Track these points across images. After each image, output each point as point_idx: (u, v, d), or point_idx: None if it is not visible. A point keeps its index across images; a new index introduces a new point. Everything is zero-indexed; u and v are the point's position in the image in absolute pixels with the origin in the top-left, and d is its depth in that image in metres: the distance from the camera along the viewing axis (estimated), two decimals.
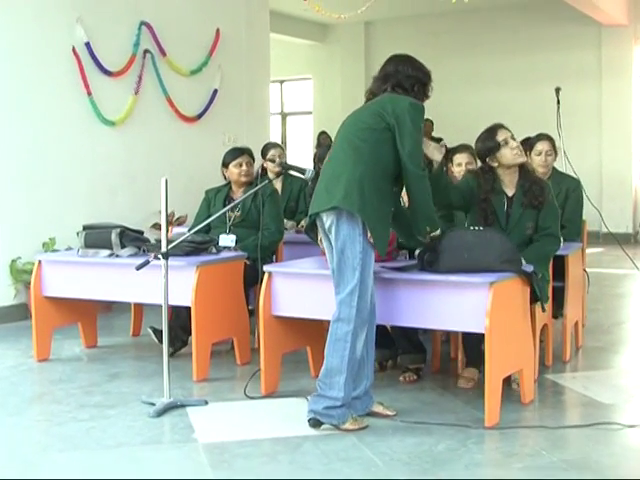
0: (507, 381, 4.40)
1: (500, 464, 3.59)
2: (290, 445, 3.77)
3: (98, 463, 3.63)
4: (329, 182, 3.93)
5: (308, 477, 3.43)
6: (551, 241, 4.73)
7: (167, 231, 4.41)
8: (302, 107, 15.29)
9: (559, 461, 3.53)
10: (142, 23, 7.72)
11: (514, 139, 4.72)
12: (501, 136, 4.67)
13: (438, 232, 4.15)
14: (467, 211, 4.86)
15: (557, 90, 6.92)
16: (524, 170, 4.81)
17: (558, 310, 5.32)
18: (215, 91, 8.57)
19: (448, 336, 5.36)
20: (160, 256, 4.32)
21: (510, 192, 4.76)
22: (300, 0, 9.20)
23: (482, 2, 12.21)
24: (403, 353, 4.96)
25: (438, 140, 11.80)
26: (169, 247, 4.39)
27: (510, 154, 4.68)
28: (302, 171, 4.65)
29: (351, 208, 3.80)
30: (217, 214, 4.85)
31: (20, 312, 6.67)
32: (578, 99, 12.51)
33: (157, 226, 7.53)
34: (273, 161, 6.45)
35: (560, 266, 5.17)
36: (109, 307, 6.94)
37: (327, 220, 3.91)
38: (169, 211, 7.69)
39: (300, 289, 4.50)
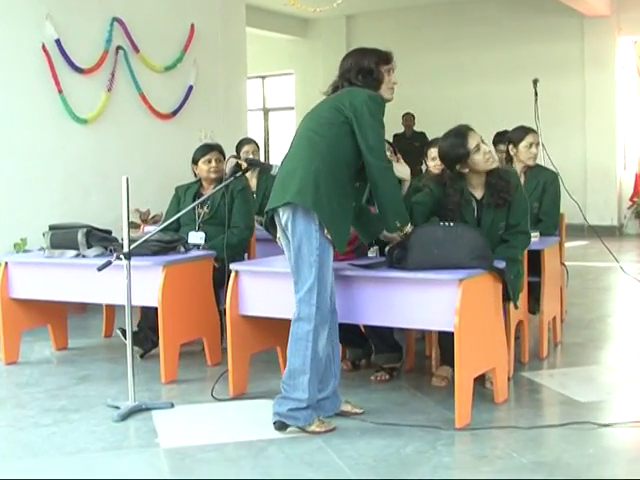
0: (481, 380, 4.32)
1: (469, 467, 3.49)
2: (254, 449, 3.67)
3: (55, 471, 3.51)
4: (285, 177, 3.84)
5: None
6: (520, 239, 4.58)
7: (129, 231, 4.29)
8: (284, 103, 15.17)
9: (529, 463, 3.44)
10: (114, 19, 7.59)
11: (484, 142, 4.53)
12: (472, 142, 4.43)
13: (409, 228, 4.04)
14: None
15: (535, 82, 6.83)
16: (491, 171, 4.57)
17: (535, 305, 5.23)
18: (190, 87, 8.45)
19: (423, 334, 5.27)
20: (122, 256, 4.21)
21: (479, 194, 4.57)
22: None
23: None
24: (377, 352, 4.88)
25: (420, 134, 11.81)
26: (132, 247, 4.28)
27: (483, 160, 4.46)
28: (268, 167, 4.54)
29: (305, 203, 3.71)
30: (184, 211, 4.77)
31: None
32: (561, 91, 12.48)
33: (132, 225, 7.41)
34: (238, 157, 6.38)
35: (536, 261, 5.09)
36: (83, 308, 6.83)
37: (283, 216, 3.81)
38: (144, 209, 7.71)
39: (268, 288, 4.39)
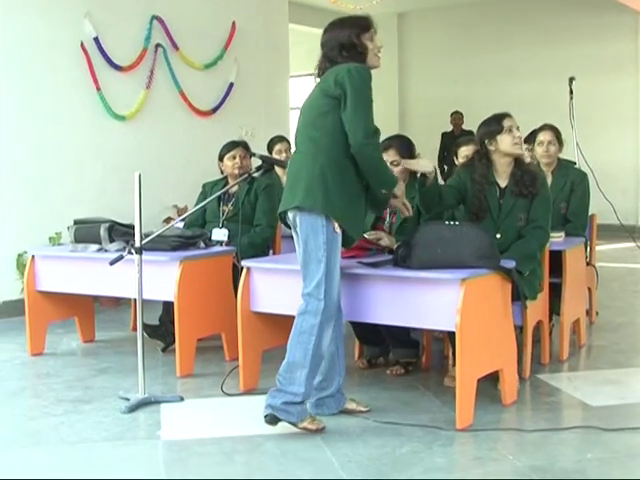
0: (493, 380, 4.27)
1: (460, 469, 3.48)
2: (251, 444, 3.71)
3: (51, 460, 3.60)
4: (293, 179, 3.81)
5: (259, 478, 3.35)
6: (538, 235, 4.56)
7: (141, 226, 4.34)
8: None
9: (523, 466, 3.39)
10: (153, 17, 7.70)
11: (519, 130, 4.61)
12: (508, 122, 4.58)
13: (401, 190, 4.06)
14: (460, 204, 4.76)
15: (570, 80, 6.72)
16: (518, 162, 4.67)
17: (559, 307, 5.16)
18: (231, 85, 8.53)
19: (442, 333, 5.24)
20: (134, 251, 4.28)
21: (503, 183, 4.64)
22: None
23: None
24: (394, 347, 4.88)
25: (469, 133, 11.70)
26: (144, 242, 4.34)
27: (510, 141, 4.56)
28: (284, 165, 4.57)
29: (314, 206, 3.68)
30: (199, 205, 4.84)
31: None
32: (615, 89, 12.28)
33: (169, 220, 7.53)
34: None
35: (559, 262, 5.02)
36: (117, 301, 6.95)
37: (291, 214, 3.82)
38: (182, 205, 7.81)
39: (279, 285, 4.40)
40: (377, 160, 3.79)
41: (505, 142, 4.57)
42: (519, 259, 4.33)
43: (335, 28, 3.85)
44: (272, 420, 3.78)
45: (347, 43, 3.76)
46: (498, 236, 4.52)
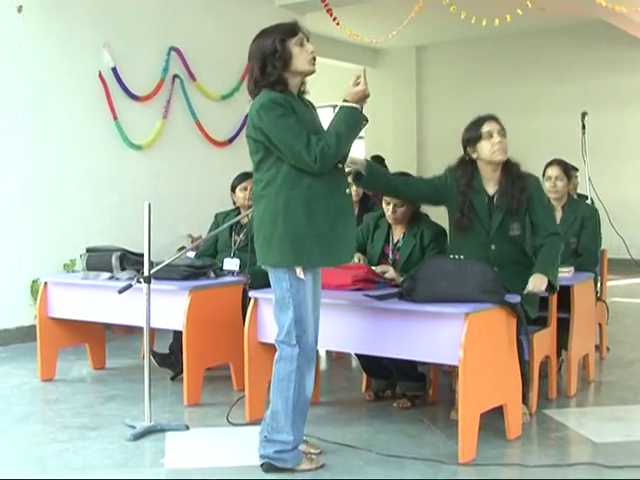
0: (499, 414, 4.26)
1: None
2: (254, 474, 3.72)
3: None
4: (256, 238, 3.71)
5: None
6: (555, 243, 4.46)
7: (149, 255, 4.39)
8: None
9: None
10: (171, 48, 7.82)
11: (501, 135, 4.44)
12: (487, 127, 4.43)
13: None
14: (436, 204, 4.67)
15: (583, 115, 6.73)
16: (508, 166, 4.51)
17: (568, 342, 5.16)
18: (247, 116, 8.57)
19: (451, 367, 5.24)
20: (142, 280, 4.33)
21: (491, 190, 4.52)
22: (351, 26, 9.13)
23: (532, 26, 12.07)
24: (400, 380, 4.89)
25: None
26: (153, 271, 4.39)
27: (489, 149, 4.42)
28: None
29: (270, 262, 3.63)
30: (210, 234, 4.88)
31: None
32: (631, 123, 12.32)
33: (183, 249, 7.57)
34: None
35: (567, 296, 5.02)
36: (130, 329, 6.99)
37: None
38: (196, 235, 7.86)
39: None
40: (339, 146, 3.56)
41: (483, 149, 4.44)
42: (550, 266, 4.35)
43: (259, 37, 3.66)
44: (269, 469, 3.71)
45: (271, 51, 3.58)
46: (493, 247, 4.47)
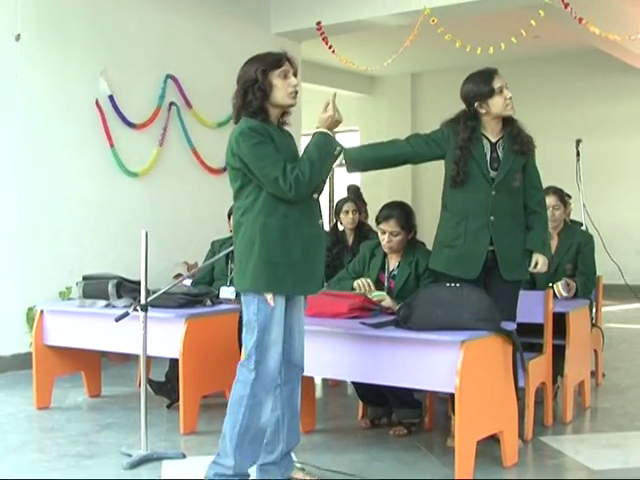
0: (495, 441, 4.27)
1: None
2: None
3: None
4: (236, 261, 3.72)
5: None
6: (544, 214, 4.57)
7: (146, 283, 4.40)
8: None
9: None
10: (168, 76, 7.88)
11: (508, 89, 4.46)
12: (497, 83, 4.41)
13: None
14: (431, 160, 4.65)
15: (577, 142, 6.79)
16: (510, 119, 4.52)
17: (563, 369, 5.17)
18: None
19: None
20: (139, 308, 4.33)
21: (493, 138, 4.50)
22: (347, 54, 9.18)
23: (527, 53, 12.17)
24: (396, 407, 4.89)
25: None
26: (149, 299, 4.40)
27: (502, 103, 4.40)
28: None
29: (243, 288, 3.64)
30: (205, 263, 4.88)
31: None
32: (626, 149, 12.40)
33: (179, 277, 7.59)
34: None
35: (563, 323, 5.04)
36: (125, 357, 6.98)
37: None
38: (192, 262, 7.87)
39: None
40: (314, 174, 3.58)
41: (498, 105, 4.41)
42: (542, 246, 4.46)
43: (246, 64, 3.70)
44: None
45: (252, 80, 3.59)
46: (494, 193, 4.41)
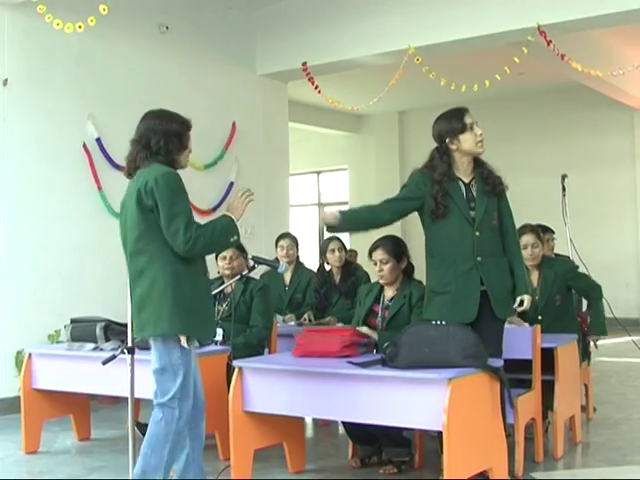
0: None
1: None
2: None
3: None
4: (138, 308, 3.93)
5: None
6: (519, 258, 4.61)
7: (132, 326, 4.38)
8: (338, 197, 15.39)
9: None
10: None
11: (479, 127, 4.50)
12: (468, 119, 4.46)
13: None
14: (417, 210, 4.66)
15: (563, 177, 6.83)
16: (479, 160, 4.57)
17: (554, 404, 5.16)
18: (231, 184, 8.69)
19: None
20: (126, 351, 4.32)
21: (466, 179, 4.53)
22: (333, 93, 9.25)
23: (512, 90, 12.28)
24: (385, 446, 4.87)
25: None
26: (136, 341, 4.38)
27: (473, 140, 4.44)
28: (275, 265, 4.66)
29: (162, 332, 3.81)
30: None
31: None
32: (613, 184, 12.50)
33: None
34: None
35: (551, 358, 5.04)
36: (115, 399, 6.94)
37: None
38: None
39: (271, 384, 4.45)
40: (209, 244, 3.77)
41: (469, 141, 4.45)
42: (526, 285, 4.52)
43: (165, 116, 3.97)
44: None
45: (173, 132, 3.91)
46: (477, 234, 4.43)
